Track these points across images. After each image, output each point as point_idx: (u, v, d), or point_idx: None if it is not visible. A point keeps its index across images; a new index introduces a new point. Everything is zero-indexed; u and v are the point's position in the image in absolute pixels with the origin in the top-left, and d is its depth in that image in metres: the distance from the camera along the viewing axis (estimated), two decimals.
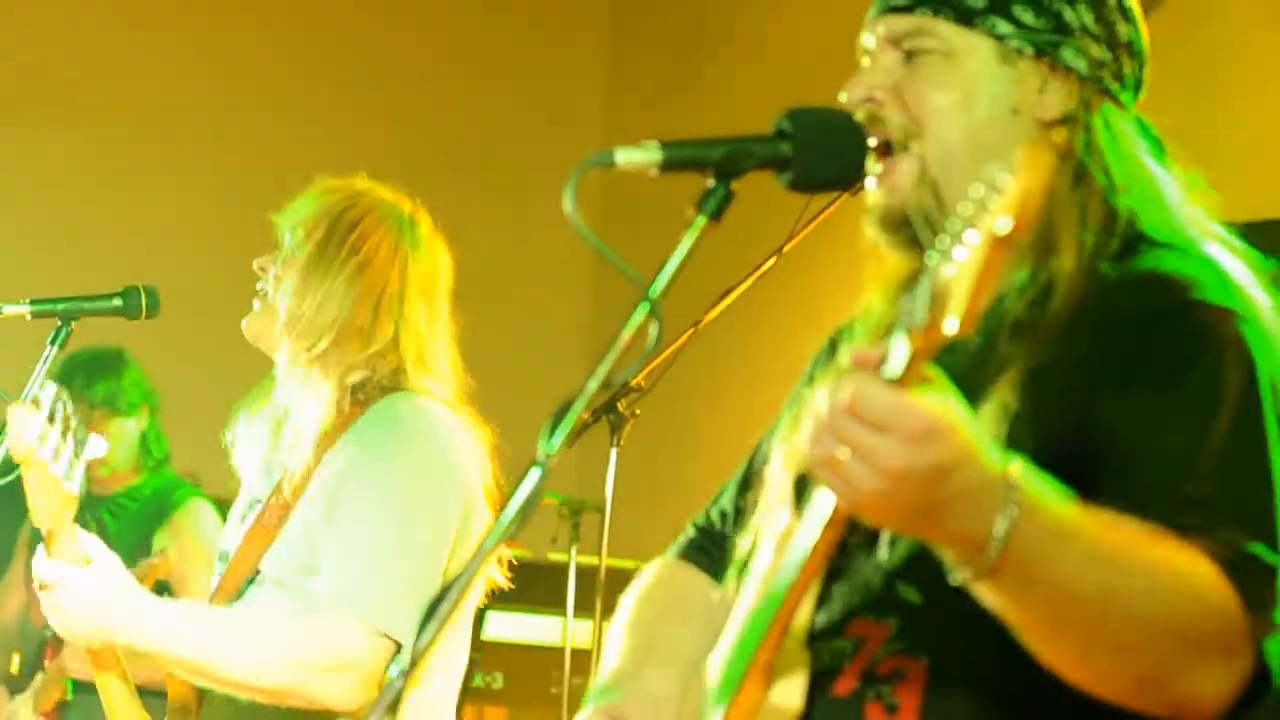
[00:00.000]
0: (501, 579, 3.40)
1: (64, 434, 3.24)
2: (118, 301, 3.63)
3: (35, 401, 3.23)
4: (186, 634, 3.24)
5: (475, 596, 3.40)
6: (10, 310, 3.55)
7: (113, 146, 7.85)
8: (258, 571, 3.38)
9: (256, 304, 3.51)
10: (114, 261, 7.03)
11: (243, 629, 3.28)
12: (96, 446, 3.29)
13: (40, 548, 3.30)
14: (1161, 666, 1.89)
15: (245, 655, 3.23)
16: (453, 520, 3.32)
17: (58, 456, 3.22)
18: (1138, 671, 1.90)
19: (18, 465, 3.47)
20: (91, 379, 5.77)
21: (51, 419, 3.22)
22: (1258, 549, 1.91)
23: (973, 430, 1.77)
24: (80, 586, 3.24)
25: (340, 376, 3.41)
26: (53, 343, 3.52)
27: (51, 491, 3.23)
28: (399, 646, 3.23)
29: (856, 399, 1.74)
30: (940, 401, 1.75)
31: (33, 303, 3.57)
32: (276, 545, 3.37)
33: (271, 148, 7.91)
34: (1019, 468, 1.80)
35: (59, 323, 3.55)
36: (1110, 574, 1.83)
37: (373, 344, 3.42)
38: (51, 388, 3.25)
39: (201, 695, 3.40)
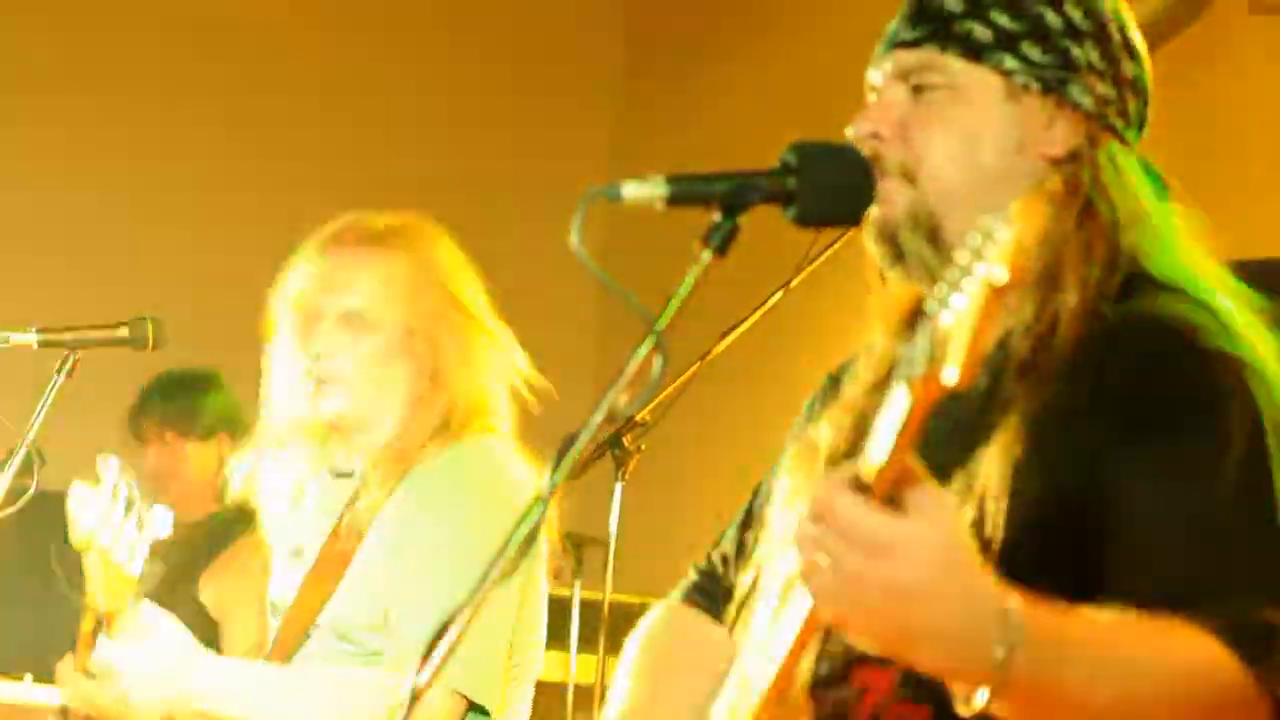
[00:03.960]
0: None
1: (127, 511, 3.17)
2: (124, 332, 3.61)
3: (96, 479, 3.16)
4: (247, 697, 3.17)
5: (540, 637, 3.37)
6: (18, 340, 3.55)
7: (123, 175, 7.87)
8: (316, 625, 3.30)
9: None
10: (121, 292, 7.03)
11: (308, 691, 3.20)
12: (162, 525, 3.19)
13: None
14: None
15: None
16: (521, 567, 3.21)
17: (119, 538, 3.16)
18: None
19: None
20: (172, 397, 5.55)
21: (115, 496, 3.16)
22: (1263, 613, 1.89)
23: (965, 562, 1.75)
24: (142, 669, 3.17)
25: (408, 446, 3.33)
26: (59, 373, 3.51)
27: (112, 576, 3.17)
28: (469, 704, 3.14)
29: (825, 506, 1.74)
30: (920, 524, 1.73)
31: (40, 332, 3.56)
32: (337, 596, 3.28)
33: (278, 177, 7.92)
34: (1018, 601, 1.77)
35: (66, 353, 3.54)
36: (1120, 683, 1.82)
37: (443, 413, 3.33)
38: (115, 462, 3.18)
39: None
